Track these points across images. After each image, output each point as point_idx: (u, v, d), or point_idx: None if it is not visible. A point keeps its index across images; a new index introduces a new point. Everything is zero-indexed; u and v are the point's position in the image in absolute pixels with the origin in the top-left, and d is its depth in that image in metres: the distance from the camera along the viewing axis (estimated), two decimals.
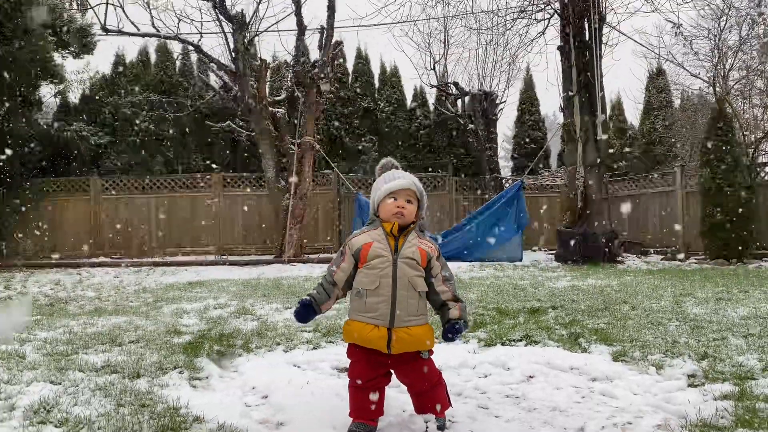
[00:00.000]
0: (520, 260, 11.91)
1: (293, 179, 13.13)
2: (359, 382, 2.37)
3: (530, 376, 3.23)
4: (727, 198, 11.14)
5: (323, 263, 12.22)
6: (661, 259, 12.21)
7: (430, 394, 2.42)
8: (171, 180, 15.40)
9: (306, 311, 2.41)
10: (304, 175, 13.29)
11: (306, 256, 13.40)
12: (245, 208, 15.19)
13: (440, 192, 15.66)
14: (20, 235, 14.28)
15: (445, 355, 3.36)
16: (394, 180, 2.45)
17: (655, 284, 7.19)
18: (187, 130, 16.82)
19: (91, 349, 3.89)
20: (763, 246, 11.31)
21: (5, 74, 12.70)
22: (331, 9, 13.30)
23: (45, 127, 15.38)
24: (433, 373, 2.44)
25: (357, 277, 2.37)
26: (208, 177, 15.46)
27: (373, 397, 2.38)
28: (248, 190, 15.34)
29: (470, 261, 11.52)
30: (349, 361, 2.49)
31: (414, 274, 2.34)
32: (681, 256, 12.20)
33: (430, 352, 2.43)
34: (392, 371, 2.45)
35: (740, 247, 11.03)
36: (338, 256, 2.45)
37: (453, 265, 10.29)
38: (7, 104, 13.17)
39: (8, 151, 13.36)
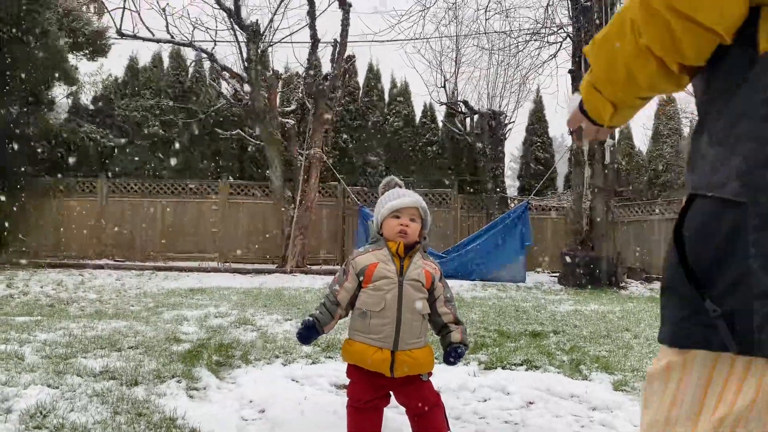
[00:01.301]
0: (523, 281, 11.87)
1: (299, 190, 13.16)
2: (358, 403, 2.35)
3: (530, 402, 3.20)
4: None
5: (325, 275, 12.20)
6: None
7: (428, 416, 2.40)
8: (178, 185, 15.45)
9: (309, 332, 2.39)
10: (310, 186, 13.32)
11: (308, 267, 13.39)
12: (250, 216, 15.21)
13: (446, 209, 15.65)
14: (25, 234, 14.32)
15: (444, 377, 3.34)
16: (397, 198, 2.42)
17: (657, 312, 7.14)
18: (196, 136, 16.90)
19: (90, 353, 3.89)
20: None
21: (19, 74, 12.82)
22: (345, 24, 13.39)
23: (56, 127, 15.47)
24: (432, 395, 2.42)
25: (361, 297, 2.34)
26: (214, 184, 15.50)
27: (371, 418, 2.36)
28: (254, 198, 15.36)
29: (472, 280, 11.49)
30: (348, 379, 2.47)
31: (419, 296, 2.32)
32: None
33: (430, 374, 2.41)
34: (391, 392, 2.43)
35: None
36: (341, 274, 2.42)
37: (455, 284, 10.27)
38: (18, 104, 13.28)
39: (17, 150, 13.45)
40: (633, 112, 1.10)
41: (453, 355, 2.35)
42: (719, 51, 0.89)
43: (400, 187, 2.56)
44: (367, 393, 2.34)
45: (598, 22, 11.40)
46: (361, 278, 2.33)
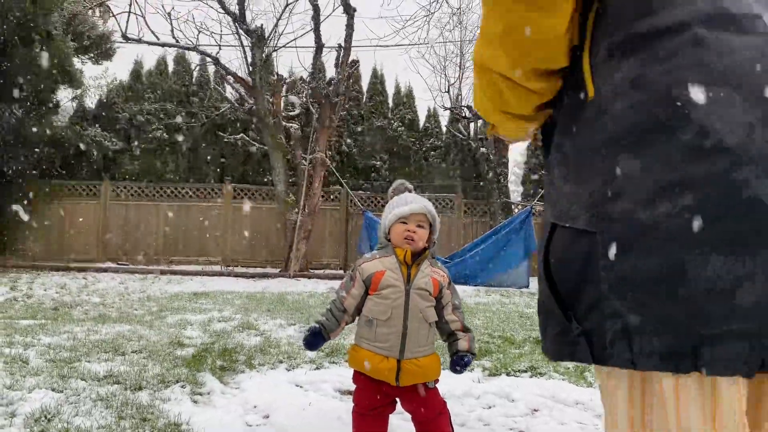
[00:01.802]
0: (527, 287, 11.85)
1: (303, 194, 13.17)
2: (363, 409, 2.34)
3: (534, 410, 3.19)
4: None
5: (329, 279, 12.20)
6: None
7: (433, 423, 2.39)
8: (181, 189, 15.48)
9: (315, 339, 2.38)
10: (314, 190, 13.33)
11: (312, 271, 13.38)
12: (254, 220, 15.22)
13: (449, 214, 15.65)
14: (28, 237, 14.34)
15: (449, 384, 3.33)
16: (405, 204, 2.40)
17: None
18: (200, 140, 16.94)
19: (94, 357, 3.89)
20: None
21: (24, 77, 12.86)
22: (350, 29, 13.42)
23: (60, 130, 15.52)
24: (438, 402, 2.40)
25: (367, 305, 2.32)
26: (218, 188, 15.52)
27: (377, 424, 2.35)
28: (257, 202, 15.38)
29: (476, 285, 11.47)
30: (352, 384, 2.46)
31: (426, 305, 2.30)
32: None
33: (436, 381, 2.40)
34: (397, 399, 2.42)
35: None
36: (347, 280, 2.41)
37: (458, 289, 10.18)
38: (22, 107, 13.32)
39: (22, 153, 13.49)
40: (514, 126, 1.16)
41: (459, 363, 2.33)
42: (560, 95, 0.98)
43: (410, 191, 2.54)
44: (372, 399, 2.33)
45: None
46: (368, 285, 2.32)
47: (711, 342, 0.81)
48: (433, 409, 2.37)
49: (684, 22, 0.84)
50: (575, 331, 0.92)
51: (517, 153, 28.32)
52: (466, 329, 2.40)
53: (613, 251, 0.86)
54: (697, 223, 0.80)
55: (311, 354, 4.23)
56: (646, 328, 0.84)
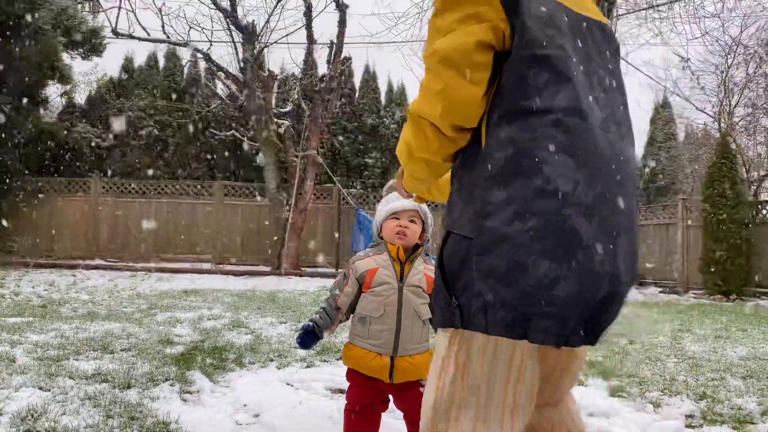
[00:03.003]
0: None
1: (294, 191, 13.13)
2: (356, 407, 2.32)
3: None
4: (728, 234, 11.14)
5: (320, 277, 12.17)
6: (660, 292, 12.16)
7: None
8: (172, 186, 15.38)
9: (309, 337, 2.36)
10: (306, 188, 13.29)
11: (303, 269, 13.35)
12: (245, 217, 15.16)
13: (442, 212, 15.63)
14: (17, 234, 14.21)
15: None
16: (397, 200, 2.38)
17: (653, 318, 7.15)
18: (191, 136, 16.84)
19: (82, 355, 3.85)
20: (761, 284, 11.28)
21: (12, 72, 12.73)
22: (342, 25, 13.37)
23: (49, 126, 15.38)
24: None
25: (361, 303, 2.31)
26: (209, 185, 15.44)
27: (369, 423, 2.34)
28: (249, 200, 15.32)
29: None
30: (345, 382, 2.44)
31: (419, 302, 2.29)
32: (680, 289, 12.16)
33: None
34: (390, 397, 2.40)
35: (739, 284, 11.00)
36: (341, 279, 2.40)
37: None
38: (11, 102, 13.19)
39: (10, 149, 13.36)
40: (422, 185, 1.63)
41: None
42: (466, 145, 1.38)
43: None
44: (365, 397, 2.32)
45: None
46: (361, 283, 2.31)
47: (535, 318, 1.22)
48: None
49: (548, 109, 1.24)
50: (453, 305, 1.30)
51: None
52: None
53: (482, 252, 1.25)
54: (536, 239, 1.20)
55: (302, 352, 4.21)
56: (496, 305, 1.23)
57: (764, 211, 11.80)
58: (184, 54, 17.45)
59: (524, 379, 1.32)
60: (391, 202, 2.40)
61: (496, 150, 1.27)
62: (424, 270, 2.34)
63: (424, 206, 2.42)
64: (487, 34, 1.28)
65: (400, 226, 2.33)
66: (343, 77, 14.59)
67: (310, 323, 2.36)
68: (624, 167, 1.36)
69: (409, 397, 2.34)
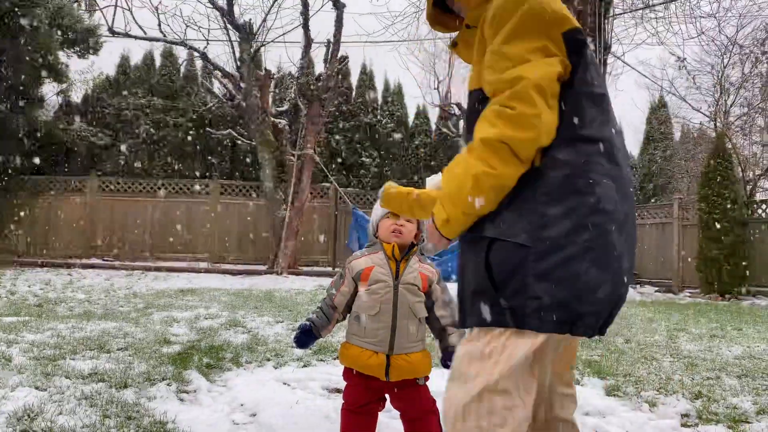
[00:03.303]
0: None
1: (291, 190, 13.12)
2: (353, 406, 2.33)
3: None
4: (723, 233, 11.17)
5: (317, 276, 12.17)
6: (656, 291, 12.19)
7: (423, 421, 2.38)
8: (168, 184, 15.35)
9: (306, 337, 2.37)
10: (302, 187, 13.28)
11: (300, 268, 13.34)
12: (241, 216, 15.15)
13: None
14: (13, 233, 14.17)
15: (437, 382, 3.31)
16: None
17: (649, 317, 7.17)
18: (187, 135, 16.81)
19: (78, 354, 3.84)
20: (757, 283, 11.32)
21: (8, 71, 12.69)
22: (339, 24, 13.36)
23: (45, 125, 15.32)
24: (428, 400, 2.40)
25: (357, 302, 2.33)
26: (206, 184, 15.42)
27: (366, 422, 2.34)
28: (245, 198, 15.30)
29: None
30: (341, 382, 2.45)
31: (415, 300, 2.31)
32: (675, 288, 12.19)
33: (426, 378, 2.39)
34: (387, 396, 2.41)
35: (735, 283, 11.04)
36: (338, 278, 2.41)
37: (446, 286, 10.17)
38: (7, 101, 13.15)
39: (6, 148, 13.31)
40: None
41: (450, 358, 2.32)
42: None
43: None
44: (362, 396, 2.32)
45: (591, 21, 11.41)
46: (358, 282, 2.32)
47: (584, 317, 1.43)
48: (423, 407, 2.37)
49: (597, 138, 1.48)
50: (504, 305, 1.43)
51: None
52: (456, 325, 2.39)
53: (538, 259, 1.41)
54: (588, 250, 1.42)
55: (299, 352, 4.21)
56: (552, 306, 1.40)
57: (759, 211, 11.85)
58: (181, 53, 17.42)
59: (545, 367, 1.57)
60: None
61: (552, 169, 1.45)
62: (419, 268, 2.35)
63: None
64: (560, 67, 1.45)
65: (396, 224, 2.34)
66: (339, 76, 14.57)
67: (307, 323, 2.37)
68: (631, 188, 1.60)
69: (406, 395, 2.35)
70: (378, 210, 2.43)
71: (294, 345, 2.42)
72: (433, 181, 2.14)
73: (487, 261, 1.47)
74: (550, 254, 1.40)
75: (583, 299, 1.41)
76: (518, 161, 1.43)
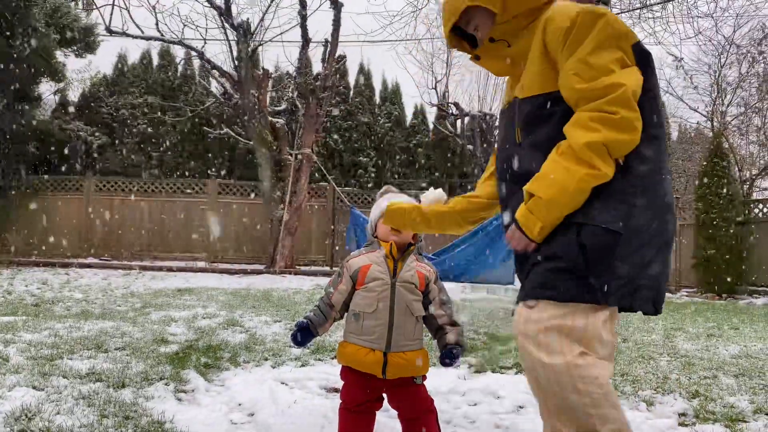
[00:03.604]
0: (512, 284, 11.88)
1: (289, 190, 13.11)
2: (351, 405, 2.33)
3: (520, 407, 3.19)
4: (720, 233, 11.19)
5: (315, 276, 12.17)
6: None
7: (420, 421, 2.38)
8: (166, 184, 15.34)
9: (303, 334, 2.38)
10: (300, 186, 13.27)
11: (297, 268, 13.34)
12: (239, 216, 15.14)
13: None
14: (9, 232, 14.15)
15: (435, 381, 3.32)
16: (392, 200, 2.43)
17: (646, 316, 7.17)
18: (185, 135, 16.79)
19: (76, 354, 3.84)
20: (754, 282, 11.35)
21: (5, 70, 12.65)
22: (336, 24, 13.36)
23: (42, 124, 15.30)
24: (425, 399, 2.40)
25: (354, 299, 2.34)
26: (203, 183, 15.40)
27: (364, 421, 2.34)
28: (243, 198, 15.29)
29: (461, 282, 11.48)
30: (339, 381, 2.46)
31: (412, 298, 2.32)
32: (672, 288, 12.22)
33: (423, 377, 2.40)
34: (384, 396, 2.41)
35: (732, 283, 11.06)
36: (335, 277, 2.43)
37: (444, 285, 10.18)
38: (3, 100, 13.11)
39: (2, 147, 13.28)
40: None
41: (449, 356, 2.34)
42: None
43: (396, 193, 2.56)
44: (360, 395, 2.33)
45: None
46: (355, 281, 2.34)
47: (656, 294, 1.70)
48: (421, 405, 2.37)
49: (661, 136, 1.73)
50: (595, 284, 1.62)
51: None
52: (454, 323, 2.40)
53: (625, 243, 1.62)
54: (661, 237, 1.69)
55: (297, 351, 4.21)
56: (636, 285, 1.65)
57: (756, 210, 11.87)
58: (178, 52, 17.42)
59: (614, 336, 1.80)
60: (385, 202, 2.43)
61: (639, 164, 1.67)
62: (416, 267, 2.37)
63: None
64: (640, 75, 1.67)
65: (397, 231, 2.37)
66: (337, 76, 14.57)
67: (304, 320, 2.38)
68: None
69: (403, 394, 2.35)
70: (377, 210, 2.45)
71: (291, 343, 2.42)
72: (429, 196, 2.21)
73: (581, 243, 1.64)
74: (633, 240, 1.63)
75: (656, 280, 1.67)
76: (612, 160, 1.63)
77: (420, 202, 2.41)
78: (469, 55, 2.01)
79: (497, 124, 17.81)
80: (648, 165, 1.66)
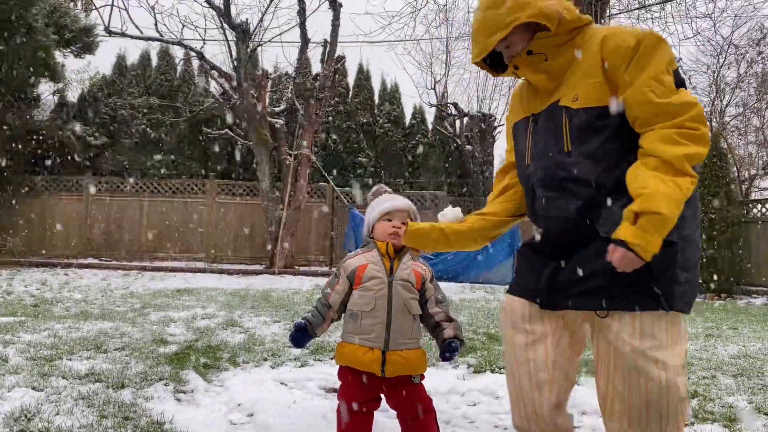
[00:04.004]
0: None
1: (288, 190, 13.11)
2: (349, 405, 2.34)
3: None
4: (719, 233, 11.20)
5: (314, 276, 12.17)
6: None
7: (419, 420, 2.39)
8: (165, 184, 15.33)
9: (302, 335, 2.38)
10: (299, 186, 13.27)
11: (296, 268, 13.34)
12: (238, 216, 15.13)
13: (434, 211, 15.66)
14: (9, 232, 14.13)
15: (434, 381, 3.33)
16: (388, 202, 2.45)
17: None
18: (184, 135, 16.78)
19: (75, 355, 3.84)
20: (753, 282, 11.35)
21: (4, 70, 12.65)
22: (336, 24, 13.36)
23: (41, 124, 15.29)
24: (424, 399, 2.41)
25: (351, 299, 2.35)
26: (202, 183, 15.40)
27: (362, 420, 2.35)
28: (242, 198, 15.29)
29: (461, 282, 11.49)
30: (338, 382, 2.46)
31: (409, 296, 2.34)
32: None
33: (422, 376, 2.41)
34: (382, 396, 2.42)
35: (731, 283, 11.07)
36: (333, 278, 2.44)
37: (443, 286, 10.19)
38: (2, 100, 13.10)
39: (1, 147, 13.28)
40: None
41: (448, 350, 2.36)
42: None
43: (389, 193, 2.57)
44: (358, 395, 2.33)
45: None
46: (352, 281, 2.35)
47: (694, 299, 1.87)
48: (419, 405, 2.38)
49: None
50: (657, 292, 1.73)
51: (503, 149, 28.38)
52: (450, 319, 2.43)
53: (681, 252, 1.76)
54: (696, 243, 1.85)
55: (296, 351, 4.21)
56: (689, 290, 1.80)
57: (755, 210, 11.88)
58: (178, 52, 17.40)
59: None
60: (383, 203, 2.44)
61: None
62: (412, 266, 2.39)
63: (414, 207, 2.49)
64: None
65: (393, 226, 2.38)
66: (336, 76, 14.57)
67: (302, 321, 2.39)
68: None
69: (402, 393, 2.36)
70: (374, 212, 2.45)
71: (290, 344, 2.43)
72: (447, 215, 2.24)
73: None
74: (686, 249, 1.78)
75: (697, 285, 1.87)
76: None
77: (417, 216, 2.49)
78: (511, 65, 2.03)
79: (497, 124, 17.83)
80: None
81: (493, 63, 2.13)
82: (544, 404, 1.95)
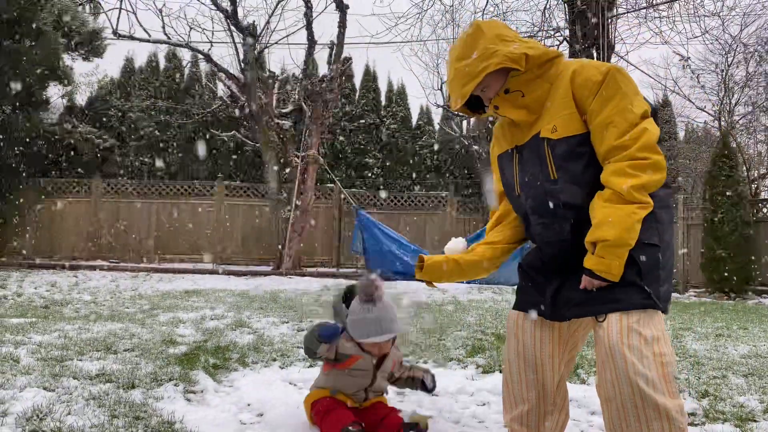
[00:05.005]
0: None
1: (295, 192, 13.14)
2: (324, 410, 2.50)
3: None
4: (728, 232, 11.14)
5: (321, 277, 12.18)
6: None
7: (390, 417, 2.56)
8: (173, 186, 15.39)
9: (333, 334, 2.50)
10: (307, 188, 13.30)
11: (304, 269, 13.36)
12: (246, 217, 15.18)
13: (441, 212, 15.66)
14: (19, 235, 14.23)
15: (443, 381, 3.32)
16: (378, 334, 2.45)
17: None
18: (192, 137, 16.86)
19: (86, 355, 3.86)
20: (762, 282, 11.28)
21: (13, 74, 12.74)
22: (342, 26, 13.38)
23: (50, 127, 15.39)
24: (394, 416, 2.57)
25: (335, 377, 2.55)
26: (210, 185, 15.46)
27: (343, 412, 2.46)
28: (250, 200, 15.33)
29: (468, 282, 11.46)
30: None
31: (385, 382, 2.65)
32: (680, 288, 12.17)
33: (419, 427, 2.47)
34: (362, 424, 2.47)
35: (741, 283, 11.01)
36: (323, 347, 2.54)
37: (451, 286, 10.22)
38: (12, 104, 13.20)
39: (11, 150, 13.37)
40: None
41: (425, 381, 2.71)
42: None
43: (378, 289, 2.49)
44: (342, 409, 2.49)
45: (594, 20, 11.38)
46: (340, 360, 2.51)
47: (670, 299, 2.05)
48: (391, 411, 2.59)
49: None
50: (648, 291, 1.89)
51: None
52: (412, 368, 2.76)
53: (662, 254, 1.94)
54: (671, 247, 2.01)
55: (304, 352, 4.21)
56: (669, 290, 1.98)
57: (764, 210, 11.81)
58: (185, 55, 17.49)
59: None
60: (372, 334, 2.45)
61: (661, 189, 1.96)
62: (393, 357, 2.61)
63: (401, 328, 2.57)
64: None
65: (381, 350, 2.54)
66: (343, 77, 14.60)
67: (340, 325, 2.54)
68: None
69: (377, 409, 2.58)
70: (366, 337, 2.46)
71: (319, 334, 2.48)
72: (451, 247, 2.43)
73: (633, 258, 1.89)
74: (667, 251, 1.95)
75: (671, 287, 2.01)
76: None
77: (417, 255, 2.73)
78: (491, 106, 2.15)
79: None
80: (665, 189, 1.98)
81: (474, 105, 2.26)
82: (533, 408, 2.22)
